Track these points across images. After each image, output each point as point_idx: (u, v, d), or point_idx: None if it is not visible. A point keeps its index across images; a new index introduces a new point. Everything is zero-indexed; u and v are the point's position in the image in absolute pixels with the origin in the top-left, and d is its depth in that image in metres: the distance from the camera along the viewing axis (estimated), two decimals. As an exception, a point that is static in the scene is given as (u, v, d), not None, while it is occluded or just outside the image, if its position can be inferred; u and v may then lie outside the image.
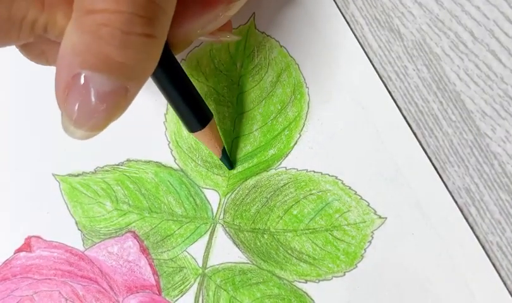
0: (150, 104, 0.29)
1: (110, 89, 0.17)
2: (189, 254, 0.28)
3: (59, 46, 0.18)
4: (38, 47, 0.21)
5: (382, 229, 0.27)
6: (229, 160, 0.28)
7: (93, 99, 0.17)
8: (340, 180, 0.27)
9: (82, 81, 0.17)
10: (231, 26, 0.26)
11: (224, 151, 0.27)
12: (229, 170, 0.28)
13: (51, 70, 0.31)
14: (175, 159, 0.29)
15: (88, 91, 0.17)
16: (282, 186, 0.27)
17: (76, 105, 0.18)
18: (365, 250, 0.27)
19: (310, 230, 0.27)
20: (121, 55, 0.17)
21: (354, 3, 0.28)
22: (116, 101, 0.18)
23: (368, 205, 0.27)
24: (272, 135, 0.28)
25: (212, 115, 0.26)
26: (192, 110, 0.25)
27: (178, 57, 0.24)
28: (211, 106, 0.28)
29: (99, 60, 0.17)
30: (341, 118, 0.27)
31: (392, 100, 0.27)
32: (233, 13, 0.23)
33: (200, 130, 0.25)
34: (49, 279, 0.29)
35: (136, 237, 0.29)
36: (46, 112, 0.30)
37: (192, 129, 0.26)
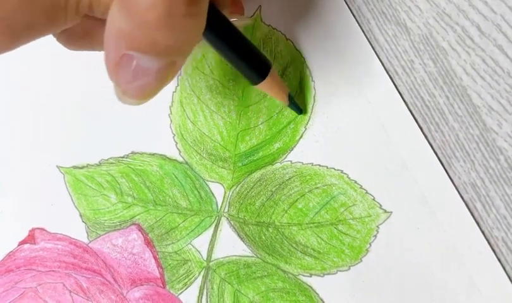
0: (155, 96, 0.29)
1: (158, 66, 0.18)
2: (193, 247, 0.28)
3: (104, 24, 0.18)
4: (82, 29, 0.22)
5: (388, 223, 0.26)
6: (297, 105, 0.27)
7: (142, 74, 0.18)
8: (345, 174, 0.27)
9: (130, 60, 0.18)
10: (242, 9, 0.26)
11: (290, 96, 0.27)
12: (299, 114, 0.27)
13: (55, 62, 0.31)
14: (180, 152, 0.29)
15: (137, 67, 0.18)
16: (287, 180, 0.27)
17: (126, 79, 0.18)
18: (370, 244, 0.27)
19: (315, 224, 0.27)
20: (167, 38, 0.17)
21: (361, -3, 0.28)
22: (164, 73, 0.19)
23: (374, 199, 0.27)
24: (277, 128, 0.28)
25: (271, 64, 0.25)
26: (249, 64, 0.24)
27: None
28: (216, 99, 0.28)
29: (146, 44, 0.17)
30: (346, 112, 0.27)
31: (398, 94, 0.27)
32: None
33: (261, 82, 0.25)
34: (53, 271, 0.29)
35: (140, 229, 0.29)
36: (51, 104, 0.30)
37: (254, 81, 0.25)
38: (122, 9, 0.17)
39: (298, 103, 0.27)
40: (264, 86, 0.25)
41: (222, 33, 0.23)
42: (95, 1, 0.19)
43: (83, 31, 0.22)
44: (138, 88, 0.19)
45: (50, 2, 0.18)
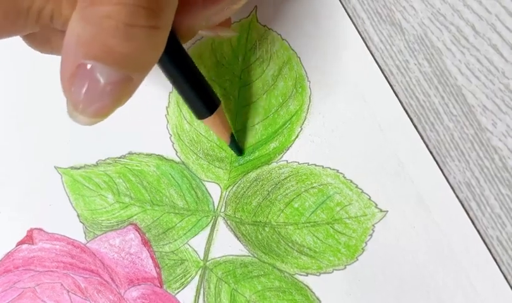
0: (152, 97, 0.29)
1: (114, 79, 0.18)
2: (190, 246, 0.28)
3: (64, 35, 0.18)
4: (44, 35, 0.22)
5: (383, 222, 0.27)
6: (237, 146, 0.28)
7: (97, 88, 0.18)
8: (341, 173, 0.27)
9: (86, 70, 0.17)
10: (229, 22, 0.26)
11: (232, 137, 0.27)
12: (238, 155, 0.28)
13: (53, 63, 0.31)
14: (176, 152, 0.29)
15: (92, 80, 0.17)
16: (283, 179, 0.28)
17: (81, 93, 0.18)
18: (365, 243, 0.27)
19: (311, 223, 0.27)
20: (124, 47, 0.17)
21: (356, -3, 0.28)
22: (120, 90, 0.18)
23: (369, 198, 0.27)
24: (273, 128, 0.28)
25: (220, 101, 0.26)
26: (199, 97, 0.25)
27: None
28: (213, 100, 0.28)
29: (103, 52, 0.17)
30: (342, 112, 0.27)
31: (393, 94, 0.27)
32: (239, 7, 0.23)
33: (208, 116, 0.25)
34: (51, 271, 0.29)
35: (137, 229, 0.29)
36: (48, 104, 0.30)
37: (200, 115, 0.25)
38: (82, 18, 0.17)
39: (239, 144, 0.28)
40: (209, 122, 0.26)
41: (178, 64, 0.23)
42: (56, 12, 0.19)
43: (44, 38, 0.22)
44: (90, 104, 0.18)
45: (12, 6, 0.18)
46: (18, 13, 0.18)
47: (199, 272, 0.28)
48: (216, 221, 0.28)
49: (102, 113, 0.19)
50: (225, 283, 0.28)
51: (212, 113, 0.25)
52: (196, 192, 0.28)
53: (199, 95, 0.25)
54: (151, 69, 0.19)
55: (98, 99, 0.18)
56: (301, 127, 0.28)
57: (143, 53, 0.18)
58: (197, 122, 0.29)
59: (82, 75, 0.17)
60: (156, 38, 0.18)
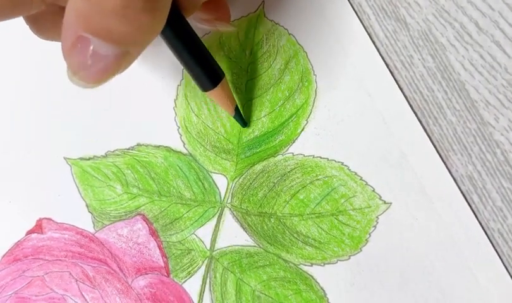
0: (160, 89, 0.30)
1: (112, 53, 0.18)
2: (197, 236, 0.29)
3: None
4: (49, 21, 0.22)
5: (387, 214, 0.27)
6: (242, 117, 0.28)
7: (95, 57, 0.18)
8: (346, 166, 0.28)
9: (85, 42, 0.18)
10: (229, 17, 0.27)
11: (237, 109, 0.28)
12: (243, 127, 0.28)
13: (60, 55, 0.31)
14: (184, 144, 0.29)
15: (91, 51, 0.18)
16: (289, 171, 0.28)
17: (79, 59, 0.18)
18: (369, 234, 0.27)
19: (316, 215, 0.28)
20: (122, 27, 0.18)
21: (362, -7, 0.28)
22: (117, 61, 0.19)
23: (374, 190, 0.27)
24: (279, 121, 0.28)
25: (224, 74, 0.26)
26: (203, 70, 0.25)
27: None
28: (220, 93, 0.29)
29: (101, 29, 0.17)
30: (347, 106, 0.28)
31: (398, 89, 0.28)
32: None
33: (212, 89, 0.26)
34: (60, 260, 0.30)
35: (145, 219, 0.29)
36: (58, 96, 0.31)
37: (204, 88, 0.26)
38: None
39: (243, 116, 0.28)
40: (214, 94, 0.26)
41: (181, 37, 0.23)
42: None
43: (51, 23, 0.22)
44: (89, 72, 0.19)
45: None
46: None
47: (205, 262, 0.29)
48: (222, 212, 0.29)
49: (99, 79, 0.19)
50: (231, 272, 0.28)
51: (215, 85, 0.26)
52: (203, 184, 0.29)
53: (202, 68, 0.25)
54: (148, 44, 0.20)
55: (96, 67, 0.18)
56: (306, 120, 0.28)
57: (140, 34, 0.18)
58: (205, 115, 0.29)
59: (81, 46, 0.18)
60: (153, 20, 0.18)
